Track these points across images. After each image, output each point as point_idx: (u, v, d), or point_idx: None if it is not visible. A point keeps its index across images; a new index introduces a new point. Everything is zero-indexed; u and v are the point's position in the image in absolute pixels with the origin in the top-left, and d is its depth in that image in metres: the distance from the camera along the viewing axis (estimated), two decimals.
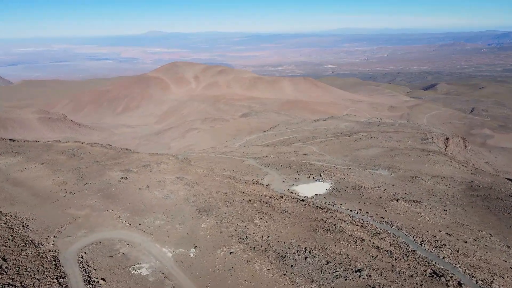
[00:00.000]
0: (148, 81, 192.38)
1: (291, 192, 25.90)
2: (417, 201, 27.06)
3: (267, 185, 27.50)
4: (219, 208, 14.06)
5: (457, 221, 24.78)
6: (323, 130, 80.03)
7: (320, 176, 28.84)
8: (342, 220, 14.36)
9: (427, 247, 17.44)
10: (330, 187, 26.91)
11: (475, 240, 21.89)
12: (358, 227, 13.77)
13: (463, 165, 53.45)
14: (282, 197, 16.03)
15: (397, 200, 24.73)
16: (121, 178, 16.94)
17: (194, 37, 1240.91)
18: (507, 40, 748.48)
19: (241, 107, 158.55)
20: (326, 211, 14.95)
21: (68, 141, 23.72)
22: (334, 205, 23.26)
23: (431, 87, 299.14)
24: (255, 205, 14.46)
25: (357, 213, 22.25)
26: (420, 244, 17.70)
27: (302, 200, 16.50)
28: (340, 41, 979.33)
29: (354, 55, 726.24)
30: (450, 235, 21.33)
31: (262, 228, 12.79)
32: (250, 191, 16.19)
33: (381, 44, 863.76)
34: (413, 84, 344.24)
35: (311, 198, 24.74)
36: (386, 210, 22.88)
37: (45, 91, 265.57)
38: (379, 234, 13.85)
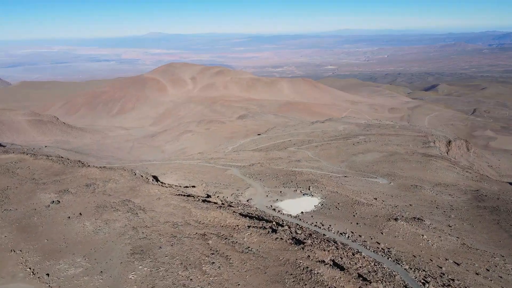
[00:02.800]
0: (144, 83, 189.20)
1: (274, 209, 22.61)
2: (418, 218, 23.67)
3: (247, 201, 24.21)
4: (160, 247, 10.76)
5: (464, 243, 21.44)
6: (320, 133, 76.71)
7: (309, 189, 25.49)
8: (321, 262, 11.04)
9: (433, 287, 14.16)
10: (319, 203, 23.55)
11: (488, 271, 18.55)
12: (342, 272, 10.52)
13: (467, 171, 50.12)
14: (249, 227, 12.69)
15: (395, 219, 21.39)
16: (52, 202, 13.68)
17: (195, 38, 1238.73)
18: (507, 41, 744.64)
19: (238, 108, 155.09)
20: (302, 249, 11.61)
21: (13, 152, 20.39)
22: (322, 227, 19.97)
23: (432, 88, 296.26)
24: (210, 242, 11.14)
25: (348, 237, 18.92)
26: (423, 283, 14.39)
27: (275, 230, 13.14)
28: (341, 42, 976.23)
29: (354, 56, 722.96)
30: (458, 264, 18.01)
31: (211, 278, 9.53)
32: (209, 220, 12.86)
33: (381, 45, 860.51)
34: (414, 85, 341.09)
35: (296, 217, 21.45)
36: (382, 233, 19.57)
37: (42, 92, 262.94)
38: (370, 282, 10.61)
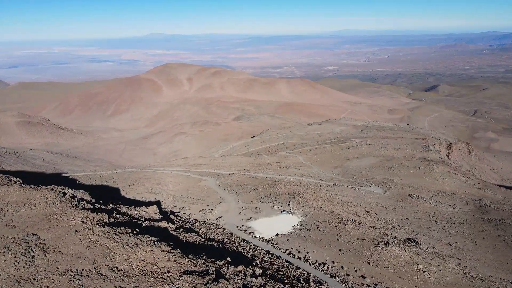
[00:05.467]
0: (139, 83, 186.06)
1: (245, 230, 19.40)
2: (413, 241, 20.46)
3: (216, 219, 21.02)
4: None
5: (466, 272, 18.24)
6: (315, 136, 73.53)
7: (288, 205, 22.26)
8: None
9: None
10: (299, 222, 20.32)
11: None
12: None
13: (468, 177, 46.79)
14: (184, 273, 9.51)
15: (386, 243, 18.17)
16: None
17: (195, 39, 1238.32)
18: (508, 41, 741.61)
19: (234, 110, 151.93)
20: None
21: None
22: (298, 254, 16.78)
23: (433, 89, 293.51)
24: None
25: (328, 269, 15.72)
26: None
27: (220, 277, 9.96)
28: (341, 42, 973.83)
29: (355, 56, 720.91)
30: None
31: None
32: (132, 265, 9.67)
33: (382, 45, 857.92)
34: (414, 86, 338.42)
35: (268, 241, 18.25)
36: (369, 263, 16.39)
37: (39, 93, 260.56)
38: None
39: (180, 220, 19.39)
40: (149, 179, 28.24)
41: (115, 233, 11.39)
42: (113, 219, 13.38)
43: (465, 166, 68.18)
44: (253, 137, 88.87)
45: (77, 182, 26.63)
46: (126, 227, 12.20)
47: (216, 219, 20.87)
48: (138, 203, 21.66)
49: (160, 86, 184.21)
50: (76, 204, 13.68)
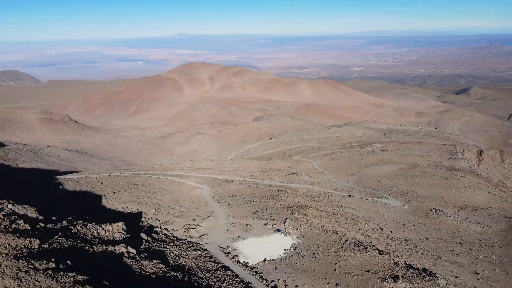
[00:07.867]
0: (161, 82, 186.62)
1: (228, 253, 16.62)
2: (430, 273, 17.08)
3: (200, 236, 18.37)
4: None
5: None
6: (334, 139, 69.85)
7: (284, 223, 19.29)
8: None
9: None
10: (293, 245, 17.35)
11: None
12: None
13: (500, 190, 42.20)
14: None
15: (394, 278, 14.97)
16: None
17: (220, 39, 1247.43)
18: None
19: (254, 110, 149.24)
20: None
21: None
22: None
23: (464, 91, 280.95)
24: None
25: None
26: None
27: None
28: (368, 43, 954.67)
29: (382, 57, 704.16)
30: None
31: None
32: None
33: (411, 46, 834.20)
34: (444, 88, 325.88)
35: (252, 268, 15.39)
36: None
37: (66, 91, 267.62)
38: None
39: (154, 238, 16.83)
40: (139, 185, 25.93)
41: (27, 271, 8.88)
42: (48, 245, 10.91)
43: (497, 176, 62.83)
44: (271, 138, 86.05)
45: (61, 187, 24.66)
46: (51, 260, 9.68)
47: (200, 236, 18.23)
48: (112, 216, 19.31)
49: (181, 85, 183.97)
50: (6, 225, 11.31)
